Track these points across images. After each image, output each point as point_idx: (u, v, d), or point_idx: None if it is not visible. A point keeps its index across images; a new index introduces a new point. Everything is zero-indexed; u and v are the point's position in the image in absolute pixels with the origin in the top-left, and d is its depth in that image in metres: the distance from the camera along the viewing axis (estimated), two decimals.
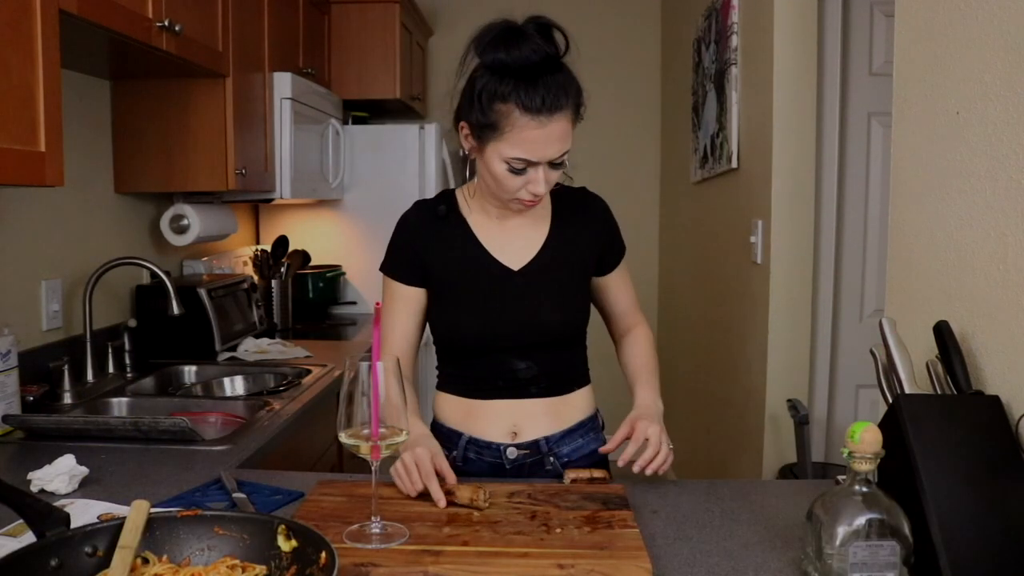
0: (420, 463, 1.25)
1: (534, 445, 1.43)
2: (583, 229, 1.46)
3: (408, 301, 1.44)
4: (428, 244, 1.43)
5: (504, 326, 1.40)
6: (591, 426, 1.49)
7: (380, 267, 1.47)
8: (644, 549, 1.06)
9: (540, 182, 1.30)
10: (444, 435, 1.47)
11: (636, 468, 1.28)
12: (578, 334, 1.48)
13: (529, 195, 1.32)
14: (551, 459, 1.44)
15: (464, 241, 1.43)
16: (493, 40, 1.25)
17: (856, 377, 2.56)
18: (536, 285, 1.41)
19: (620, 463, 1.30)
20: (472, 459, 1.44)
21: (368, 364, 1.07)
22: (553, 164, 1.30)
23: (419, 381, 3.25)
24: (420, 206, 1.48)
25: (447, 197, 1.48)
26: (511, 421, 1.43)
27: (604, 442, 1.51)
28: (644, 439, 1.30)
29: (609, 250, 1.50)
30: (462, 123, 1.34)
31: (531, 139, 1.26)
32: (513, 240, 1.43)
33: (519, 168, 1.29)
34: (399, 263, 1.45)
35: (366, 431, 1.08)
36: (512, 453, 1.42)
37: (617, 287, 1.54)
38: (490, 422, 1.43)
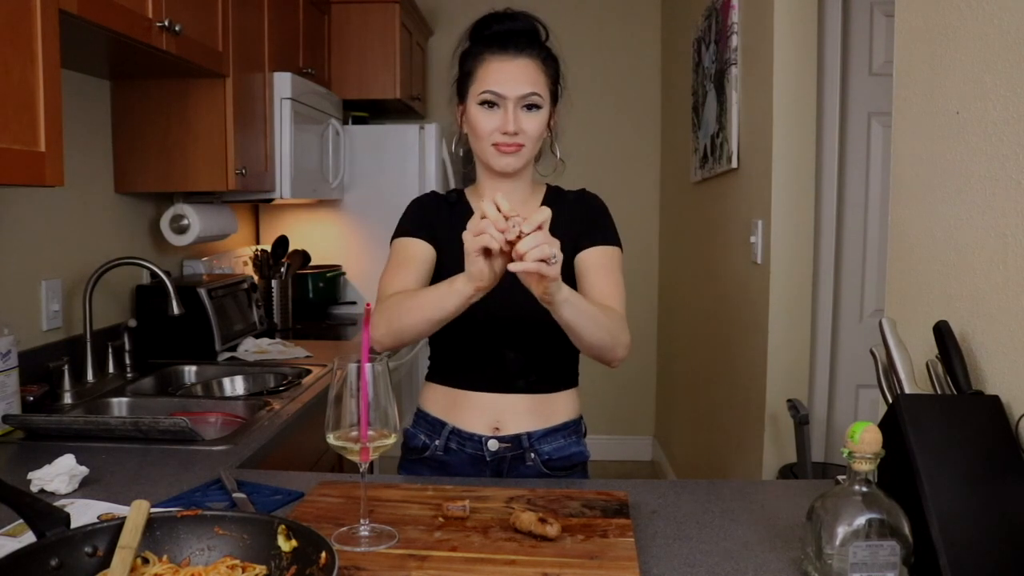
0: (496, 220, 1.09)
1: (516, 439, 1.44)
2: (562, 217, 1.40)
3: (416, 260, 1.42)
4: (439, 221, 1.47)
5: (494, 308, 1.34)
6: (574, 429, 1.49)
7: (392, 237, 1.47)
8: (635, 560, 1.03)
9: (510, 120, 1.37)
10: (428, 423, 1.48)
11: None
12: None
13: (501, 136, 1.38)
14: (532, 455, 1.44)
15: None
16: (487, 17, 1.44)
17: (856, 377, 2.56)
18: None
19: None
20: (454, 449, 1.45)
21: (357, 365, 1.06)
22: (526, 108, 1.39)
23: (414, 371, 3.26)
24: (433, 193, 1.57)
25: (457, 191, 1.54)
26: (495, 416, 1.44)
27: (585, 447, 1.51)
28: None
29: (585, 230, 1.45)
30: (459, 105, 1.46)
31: (497, 70, 1.39)
32: None
33: (491, 101, 1.38)
34: (414, 223, 1.47)
35: (354, 433, 1.07)
36: (493, 446, 1.43)
37: (592, 270, 1.42)
38: (474, 414, 1.44)
